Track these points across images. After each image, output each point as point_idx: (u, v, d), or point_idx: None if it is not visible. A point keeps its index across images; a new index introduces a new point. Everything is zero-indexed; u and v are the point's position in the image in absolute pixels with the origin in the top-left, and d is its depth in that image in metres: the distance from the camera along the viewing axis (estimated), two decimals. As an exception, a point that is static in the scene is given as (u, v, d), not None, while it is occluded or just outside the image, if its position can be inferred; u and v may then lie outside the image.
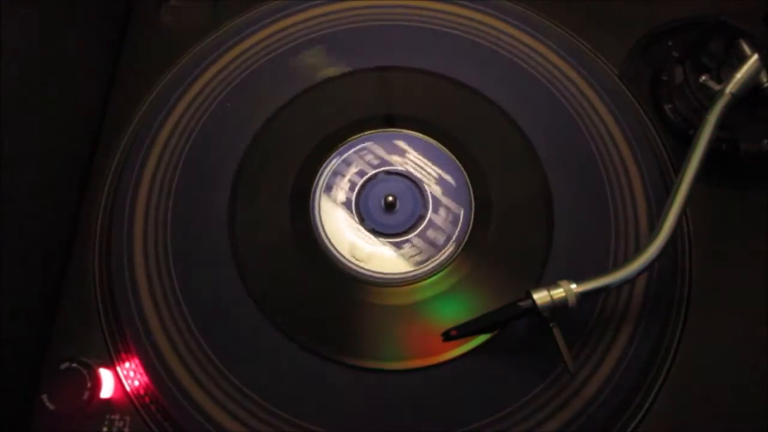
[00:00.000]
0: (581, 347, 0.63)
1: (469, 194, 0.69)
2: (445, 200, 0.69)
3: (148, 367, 0.62)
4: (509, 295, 0.60)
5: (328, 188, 0.69)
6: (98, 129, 0.73)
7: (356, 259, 0.67)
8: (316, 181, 0.69)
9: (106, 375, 0.63)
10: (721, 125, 0.63)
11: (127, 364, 0.63)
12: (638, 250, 0.61)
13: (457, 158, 0.70)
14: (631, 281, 0.61)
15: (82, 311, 0.66)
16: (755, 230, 0.68)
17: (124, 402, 0.63)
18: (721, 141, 0.67)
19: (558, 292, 0.59)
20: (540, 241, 0.66)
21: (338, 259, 0.67)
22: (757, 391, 0.63)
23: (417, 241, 0.67)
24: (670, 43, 0.75)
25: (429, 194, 0.69)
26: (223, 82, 0.72)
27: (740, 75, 0.64)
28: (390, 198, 0.68)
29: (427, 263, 0.67)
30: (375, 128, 0.71)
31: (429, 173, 0.70)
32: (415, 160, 0.70)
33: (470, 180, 0.69)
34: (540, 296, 0.59)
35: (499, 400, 0.61)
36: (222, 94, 0.71)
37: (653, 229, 0.61)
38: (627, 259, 0.61)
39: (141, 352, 0.63)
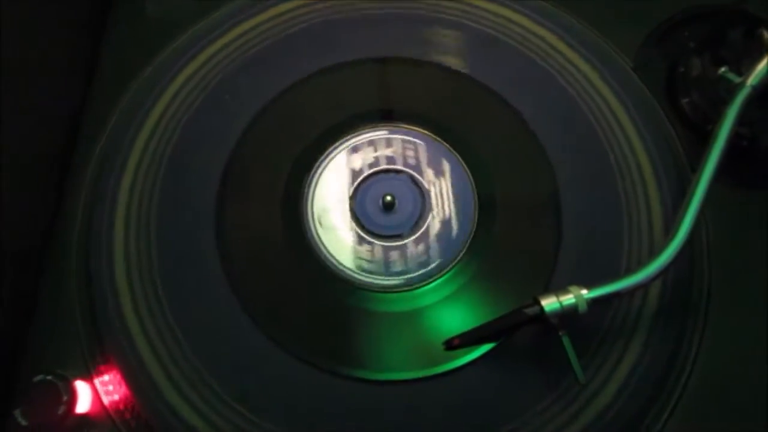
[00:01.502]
0: (592, 356, 0.63)
1: (473, 193, 0.69)
2: (446, 200, 0.69)
3: (130, 379, 0.62)
4: (515, 301, 0.60)
5: (323, 188, 0.69)
6: (76, 127, 0.72)
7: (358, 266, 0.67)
8: (309, 181, 0.69)
9: (82, 388, 0.62)
10: (741, 120, 0.63)
11: (105, 377, 0.63)
12: (653, 253, 0.62)
13: (459, 155, 0.70)
14: (645, 286, 0.61)
15: (59, 320, 0.66)
16: (776, 231, 0.68)
17: (102, 417, 0.63)
18: (740, 137, 0.67)
19: (567, 298, 0.59)
20: (548, 243, 0.66)
21: (333, 264, 0.67)
22: (783, 403, 0.63)
23: (417, 243, 0.67)
24: (686, 34, 0.75)
25: (429, 193, 0.69)
26: (210, 74, 0.72)
27: (761, 66, 0.64)
28: (388, 198, 0.68)
29: (427, 267, 0.67)
30: (372, 123, 0.71)
31: (430, 171, 0.70)
32: (414, 157, 0.70)
33: (473, 178, 0.69)
34: (548, 302, 0.59)
35: (505, 412, 0.61)
36: (207, 88, 0.71)
37: (668, 231, 0.61)
38: (641, 263, 0.61)
39: (121, 363, 0.62)
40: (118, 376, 0.62)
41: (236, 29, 0.74)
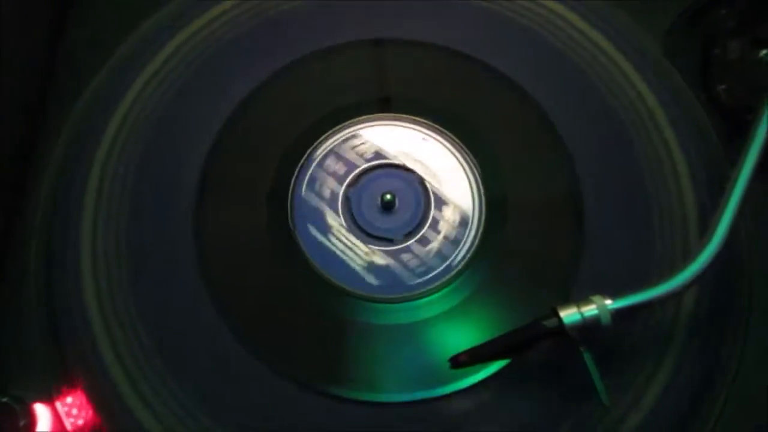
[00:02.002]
0: (618, 376, 0.62)
1: (481, 191, 0.68)
2: (452, 198, 0.68)
3: (97, 402, 0.61)
4: (530, 313, 0.59)
5: (313, 186, 0.68)
6: (35, 121, 0.72)
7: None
8: (298, 177, 0.68)
9: (42, 411, 0.61)
10: (785, 109, 0.63)
11: (69, 399, 0.62)
12: (687, 257, 0.60)
13: (467, 148, 0.69)
14: (678, 296, 0.60)
15: (17, 335, 0.65)
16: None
17: (64, 443, 0.63)
18: (785, 128, 0.66)
19: (589, 309, 0.57)
20: (568, 247, 0.65)
21: (324, 270, 0.65)
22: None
23: (419, 248, 0.66)
24: (723, 11, 0.73)
25: (433, 192, 0.68)
26: (187, 57, 0.71)
27: (809, 48, 0.64)
28: (387, 196, 0.67)
29: (431, 274, 0.66)
30: (368, 113, 0.70)
31: (433, 166, 0.69)
32: (416, 150, 0.69)
33: (482, 174, 0.68)
34: (568, 314, 0.57)
35: (518, 439, 0.61)
36: (185, 74, 0.70)
37: (704, 232, 0.60)
38: (673, 269, 0.60)
39: (88, 383, 0.61)
40: (84, 399, 0.61)
41: (215, 9, 0.72)
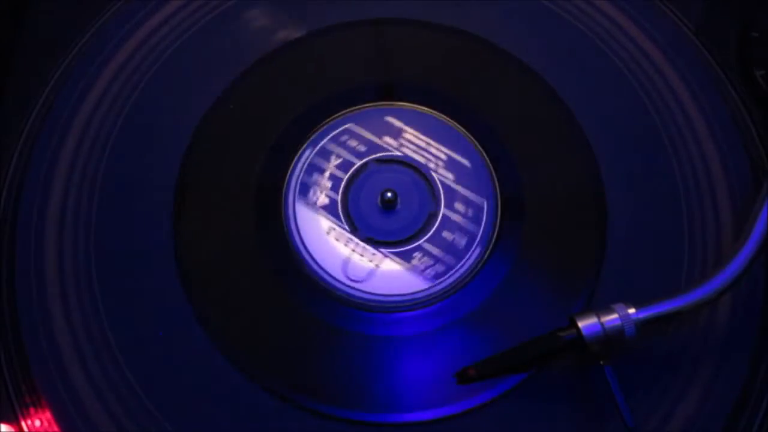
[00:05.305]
0: (644, 394, 0.61)
1: (495, 189, 0.67)
2: (461, 195, 0.67)
3: (64, 423, 0.61)
4: (546, 324, 0.59)
5: (305, 186, 0.68)
6: None
7: (351, 280, 0.65)
8: (288, 178, 0.68)
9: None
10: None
11: (37, 422, 0.62)
12: (720, 261, 0.61)
13: (474, 136, 0.69)
14: (710, 304, 0.60)
15: None
16: None
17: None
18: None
19: (611, 319, 0.57)
20: (588, 248, 0.65)
21: (323, 279, 0.65)
22: None
23: (424, 251, 0.66)
24: None
25: (440, 190, 0.68)
26: (166, 39, 0.71)
27: None
28: (388, 194, 0.67)
29: (436, 281, 0.65)
30: (365, 102, 0.70)
31: (437, 157, 0.69)
32: (416, 141, 0.69)
33: (496, 169, 0.68)
34: (587, 324, 0.57)
35: (533, 464, 0.59)
36: (159, 61, 0.71)
37: (739, 233, 0.60)
38: (705, 275, 0.60)
39: (54, 402, 0.61)
40: (51, 419, 0.61)
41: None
